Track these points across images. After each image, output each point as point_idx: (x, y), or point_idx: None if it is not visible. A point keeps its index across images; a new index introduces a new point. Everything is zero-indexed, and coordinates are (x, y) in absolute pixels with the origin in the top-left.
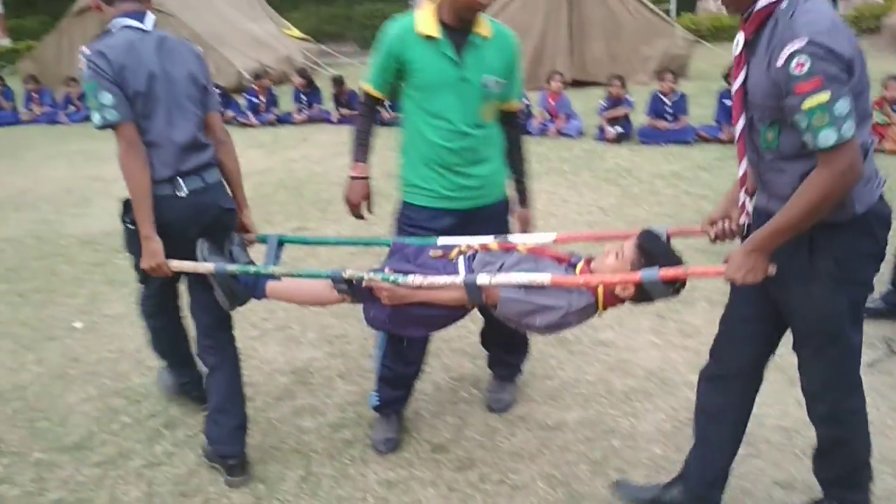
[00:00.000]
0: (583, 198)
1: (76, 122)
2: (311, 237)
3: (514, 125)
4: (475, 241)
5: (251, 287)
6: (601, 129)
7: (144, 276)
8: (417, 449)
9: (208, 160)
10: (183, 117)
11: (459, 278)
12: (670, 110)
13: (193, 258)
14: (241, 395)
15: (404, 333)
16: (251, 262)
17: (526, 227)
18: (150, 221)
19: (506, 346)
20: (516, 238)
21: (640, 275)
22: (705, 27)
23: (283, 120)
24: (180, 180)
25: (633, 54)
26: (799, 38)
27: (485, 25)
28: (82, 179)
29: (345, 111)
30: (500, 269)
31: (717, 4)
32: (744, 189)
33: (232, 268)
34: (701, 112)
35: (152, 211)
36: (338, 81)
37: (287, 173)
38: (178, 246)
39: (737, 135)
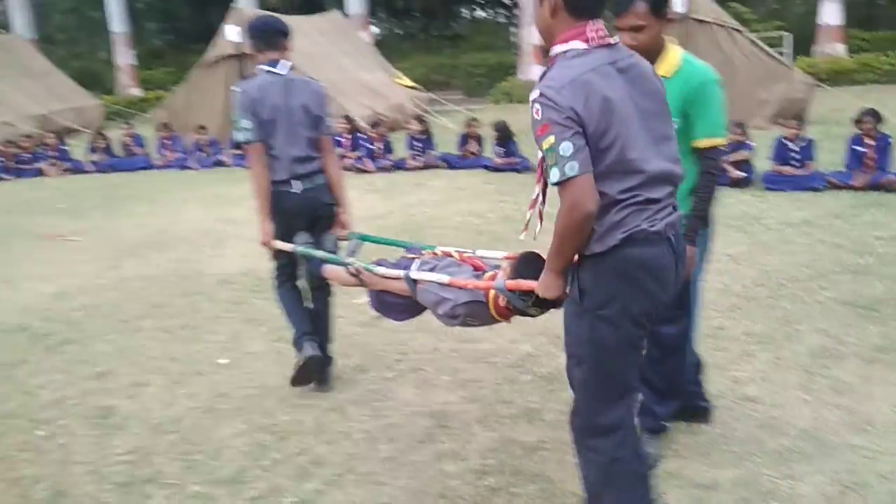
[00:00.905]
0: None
1: (205, 167)
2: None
3: (703, 162)
4: (444, 249)
5: (316, 266)
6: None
7: (275, 255)
8: (565, 502)
9: (316, 168)
10: (297, 137)
11: (403, 272)
12: (797, 156)
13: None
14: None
15: (389, 316)
16: (334, 252)
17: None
18: (267, 211)
19: (657, 391)
20: (480, 252)
21: (492, 283)
22: (823, 70)
23: (398, 166)
24: (295, 182)
25: (749, 98)
26: (536, 89)
27: (667, 64)
28: (215, 222)
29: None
30: (431, 269)
31: (834, 47)
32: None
33: (300, 249)
34: (827, 158)
35: (273, 203)
36: (499, 127)
37: (406, 217)
38: (293, 230)
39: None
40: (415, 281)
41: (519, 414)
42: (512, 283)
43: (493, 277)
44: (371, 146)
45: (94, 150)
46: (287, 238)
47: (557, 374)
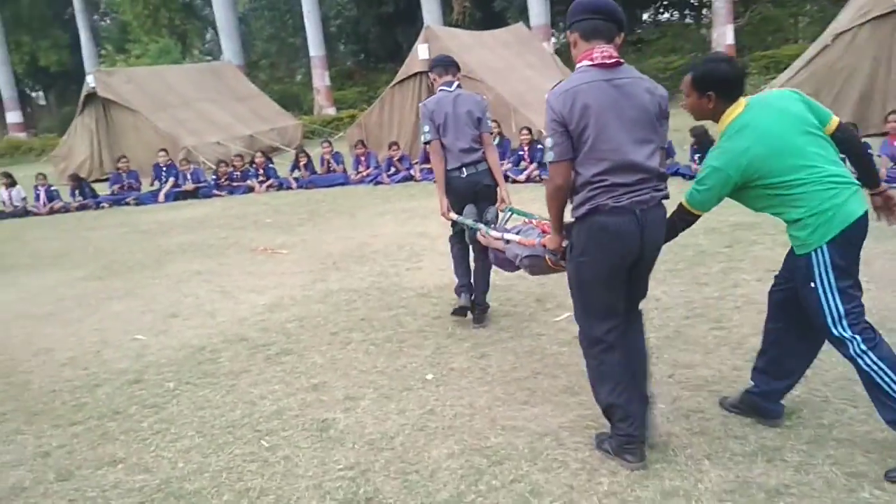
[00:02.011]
0: None
1: (397, 182)
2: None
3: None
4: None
5: (472, 232)
6: None
7: (453, 224)
8: None
9: (479, 158)
10: (463, 135)
11: (501, 234)
12: None
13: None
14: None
15: (501, 268)
16: (493, 222)
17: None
18: (443, 190)
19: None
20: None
21: (535, 241)
22: None
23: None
24: (463, 168)
25: None
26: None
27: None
28: (410, 236)
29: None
30: (517, 233)
31: None
32: None
33: (460, 219)
34: None
35: (447, 184)
36: (697, 132)
37: None
38: (462, 203)
39: None
40: (507, 241)
41: (754, 451)
42: (542, 241)
43: (544, 243)
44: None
45: (296, 167)
46: (458, 210)
47: (795, 407)
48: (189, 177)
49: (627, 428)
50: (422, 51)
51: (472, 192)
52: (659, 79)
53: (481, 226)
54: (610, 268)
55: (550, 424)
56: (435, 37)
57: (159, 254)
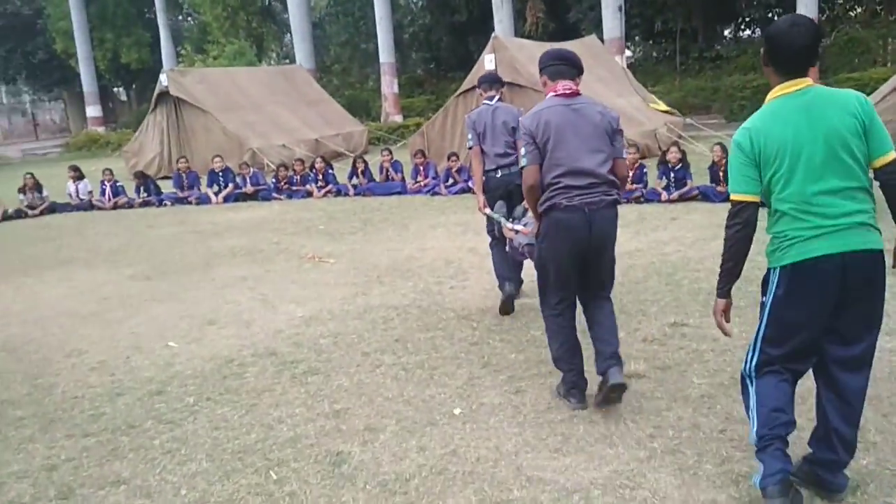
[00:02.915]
0: None
1: (454, 194)
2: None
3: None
4: None
5: (499, 225)
6: None
7: (487, 221)
8: None
9: (512, 161)
10: (499, 142)
11: (511, 225)
12: None
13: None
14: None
15: (516, 257)
16: (520, 218)
17: None
18: (481, 189)
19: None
20: None
21: (527, 231)
22: None
23: (649, 198)
24: (498, 170)
25: None
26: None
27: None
28: (459, 251)
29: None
30: (524, 225)
31: None
32: None
33: (490, 213)
34: None
35: (485, 183)
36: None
37: (658, 257)
38: (496, 200)
39: None
40: (516, 232)
41: None
42: (529, 230)
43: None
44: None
45: (354, 174)
46: (492, 206)
47: (861, 481)
48: (248, 180)
49: (572, 377)
50: (488, 61)
51: (505, 190)
52: (737, 97)
53: (502, 219)
54: (563, 253)
55: (581, 479)
56: (502, 47)
57: (209, 256)
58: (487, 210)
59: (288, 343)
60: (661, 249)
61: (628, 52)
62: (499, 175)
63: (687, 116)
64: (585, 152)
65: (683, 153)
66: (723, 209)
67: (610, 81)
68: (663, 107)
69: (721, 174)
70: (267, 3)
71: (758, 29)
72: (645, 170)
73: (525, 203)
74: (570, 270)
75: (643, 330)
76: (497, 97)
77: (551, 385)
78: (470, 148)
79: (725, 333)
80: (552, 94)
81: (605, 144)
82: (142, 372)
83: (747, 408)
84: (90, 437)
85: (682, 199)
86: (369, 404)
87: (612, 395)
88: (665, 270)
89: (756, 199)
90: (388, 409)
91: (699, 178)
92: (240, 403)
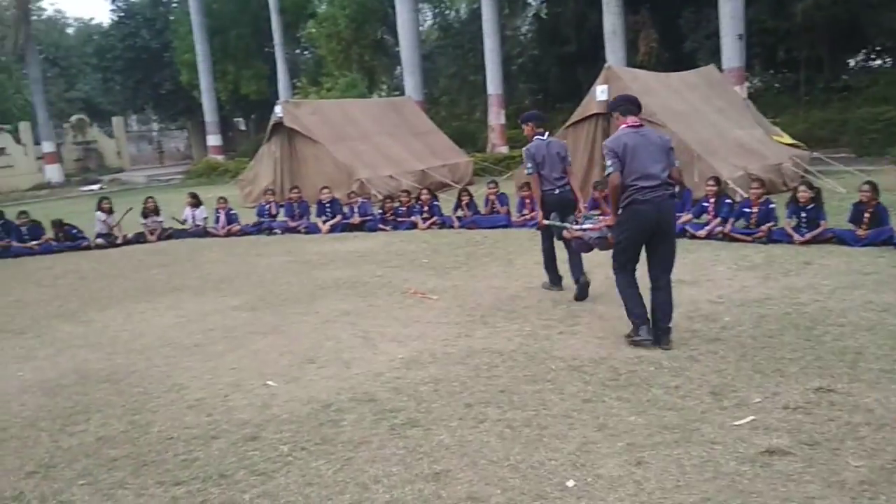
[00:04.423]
0: None
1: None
2: None
3: None
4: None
5: (558, 231)
6: None
7: (543, 230)
8: None
9: (566, 182)
10: (556, 168)
11: (577, 227)
12: None
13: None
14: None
15: (579, 250)
16: (574, 224)
17: None
18: (539, 205)
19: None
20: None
21: (602, 225)
22: None
23: (775, 238)
24: (556, 189)
25: None
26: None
27: None
28: (569, 291)
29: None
30: (586, 227)
31: None
32: None
33: (552, 223)
34: None
35: (543, 200)
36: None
37: (793, 307)
38: (551, 212)
39: None
40: (584, 230)
41: None
42: (605, 221)
43: (606, 224)
44: (749, 209)
45: (459, 206)
46: (548, 217)
47: None
48: (356, 210)
49: (641, 321)
50: (600, 92)
51: (559, 205)
52: (867, 130)
53: (567, 224)
54: (639, 233)
55: None
56: (615, 77)
57: (314, 287)
58: (546, 221)
59: (387, 388)
60: (796, 298)
61: (749, 84)
62: (556, 192)
63: (813, 150)
64: (651, 163)
65: (818, 191)
66: (863, 255)
67: (729, 112)
68: (788, 139)
69: (867, 216)
70: (379, 36)
71: (889, 58)
72: (772, 205)
73: (577, 215)
74: (637, 246)
75: (783, 395)
76: (547, 133)
77: (678, 457)
78: (529, 174)
79: None
80: (624, 125)
81: (664, 158)
82: (238, 413)
83: None
84: (180, 485)
85: (814, 241)
86: (472, 467)
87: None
88: (803, 323)
89: None
90: (492, 474)
91: (832, 218)
92: (335, 456)
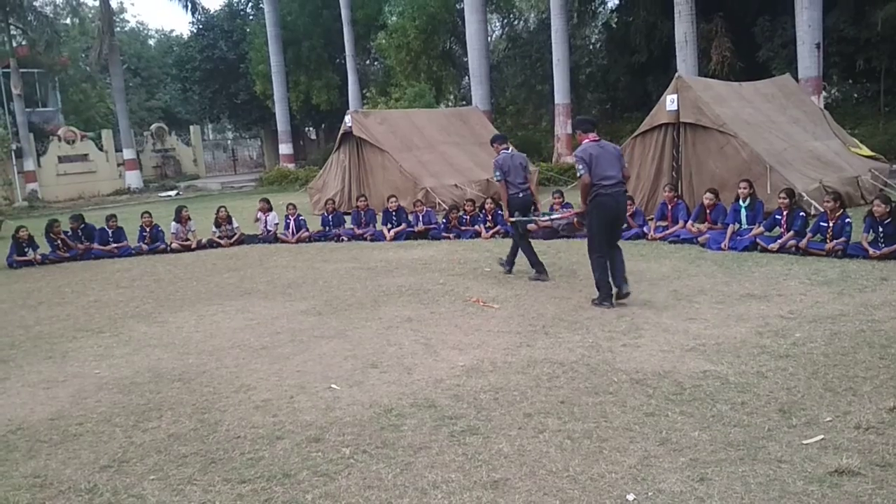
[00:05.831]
0: None
1: (627, 239)
2: None
3: None
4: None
5: (524, 225)
6: None
7: (514, 226)
8: None
9: (527, 188)
10: (519, 175)
11: (547, 218)
12: None
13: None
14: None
15: (545, 239)
16: (535, 218)
17: None
18: (506, 206)
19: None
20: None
21: (570, 213)
22: None
23: (851, 253)
24: (520, 192)
25: None
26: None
27: None
28: (633, 303)
29: None
30: (553, 217)
31: None
32: None
33: (514, 220)
34: None
35: (510, 201)
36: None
37: (868, 324)
38: (515, 211)
39: None
40: (552, 220)
41: None
42: (575, 210)
43: (574, 213)
44: (826, 223)
45: None
46: (513, 216)
47: None
48: (420, 218)
49: (607, 290)
50: (670, 101)
51: (522, 206)
52: None
53: (535, 218)
54: (605, 220)
55: None
56: (686, 87)
57: (378, 293)
58: (512, 219)
59: (448, 395)
60: (871, 315)
61: (826, 93)
62: (520, 195)
63: (893, 163)
64: (610, 167)
65: (894, 205)
66: None
67: (805, 123)
68: (867, 151)
69: None
70: (448, 47)
71: None
72: (847, 219)
73: (535, 211)
74: (605, 230)
75: (855, 414)
76: (512, 148)
77: (743, 475)
78: (498, 181)
79: None
80: (587, 140)
81: (618, 163)
82: (303, 415)
83: None
84: (246, 483)
85: (892, 256)
86: (531, 476)
87: (620, 298)
88: (878, 341)
89: None
90: (550, 484)
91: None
92: (395, 460)
